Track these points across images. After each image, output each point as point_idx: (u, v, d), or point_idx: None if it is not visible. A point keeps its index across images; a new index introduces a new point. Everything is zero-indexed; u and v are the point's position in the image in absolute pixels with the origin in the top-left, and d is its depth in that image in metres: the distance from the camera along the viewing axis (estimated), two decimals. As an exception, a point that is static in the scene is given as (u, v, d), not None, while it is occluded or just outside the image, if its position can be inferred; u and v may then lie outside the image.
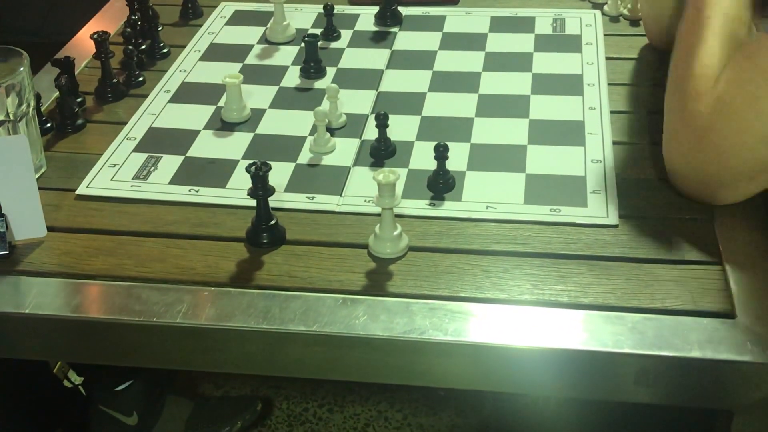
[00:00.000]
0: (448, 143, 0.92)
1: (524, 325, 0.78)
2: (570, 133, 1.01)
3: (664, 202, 0.90)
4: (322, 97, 1.07)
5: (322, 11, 1.24)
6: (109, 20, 1.31)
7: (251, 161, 0.86)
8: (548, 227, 0.88)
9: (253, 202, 0.87)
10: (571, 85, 1.10)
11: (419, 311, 0.79)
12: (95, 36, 1.09)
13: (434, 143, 0.92)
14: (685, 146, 0.84)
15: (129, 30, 1.18)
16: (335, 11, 1.23)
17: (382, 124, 0.98)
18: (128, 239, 0.88)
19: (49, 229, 0.89)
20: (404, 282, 0.82)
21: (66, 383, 1.44)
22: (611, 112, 1.04)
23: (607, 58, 1.15)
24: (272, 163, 0.92)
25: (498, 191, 0.92)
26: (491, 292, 0.80)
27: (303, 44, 1.15)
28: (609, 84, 1.10)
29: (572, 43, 1.19)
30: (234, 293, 0.82)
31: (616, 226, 0.87)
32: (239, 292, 0.82)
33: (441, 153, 0.91)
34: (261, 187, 0.85)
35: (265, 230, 0.87)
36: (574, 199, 0.91)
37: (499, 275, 0.82)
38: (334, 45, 1.22)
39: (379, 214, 0.85)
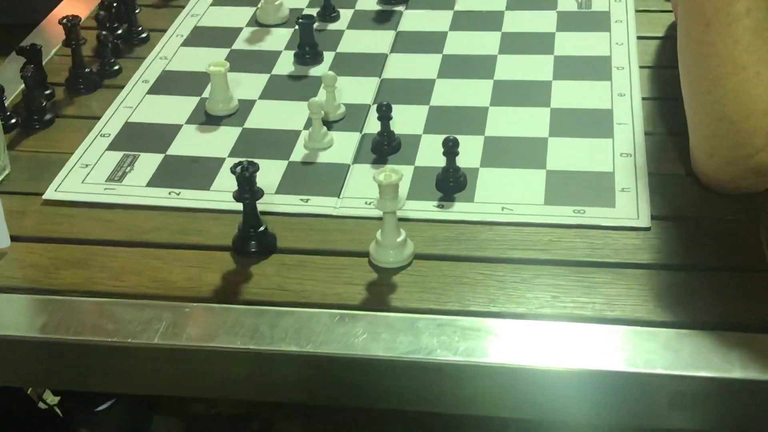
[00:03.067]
0: (460, 136, 0.91)
1: (544, 343, 0.77)
2: (596, 123, 1.00)
3: (703, 201, 0.89)
4: (319, 85, 1.07)
5: (319, -12, 1.23)
6: (81, 2, 1.30)
7: (238, 160, 0.86)
8: (571, 231, 0.87)
9: (240, 206, 0.86)
10: (597, 68, 1.09)
11: (426, 328, 0.78)
12: (64, 21, 1.08)
13: (443, 137, 0.91)
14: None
15: (103, 13, 1.18)
16: (334, -12, 1.23)
17: (384, 115, 0.97)
18: (101, 249, 0.88)
19: (13, 238, 0.89)
20: (409, 295, 0.81)
21: (41, 405, 1.44)
22: (643, 98, 1.04)
23: (639, 38, 1.14)
24: (262, 162, 0.92)
25: (515, 190, 0.92)
26: (507, 306, 0.80)
27: (297, 26, 1.15)
28: (641, 67, 1.09)
29: (599, 21, 1.18)
30: (218, 309, 0.81)
31: (648, 229, 0.86)
32: (224, 308, 0.81)
33: (451, 148, 0.91)
34: (248, 190, 0.85)
35: (253, 238, 0.86)
36: (600, 198, 0.90)
37: (515, 286, 0.82)
38: (332, 27, 1.21)
39: (381, 218, 0.84)
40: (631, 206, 0.89)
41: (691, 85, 0.89)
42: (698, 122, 0.88)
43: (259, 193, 0.86)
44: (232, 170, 0.84)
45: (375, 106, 1.00)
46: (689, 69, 0.89)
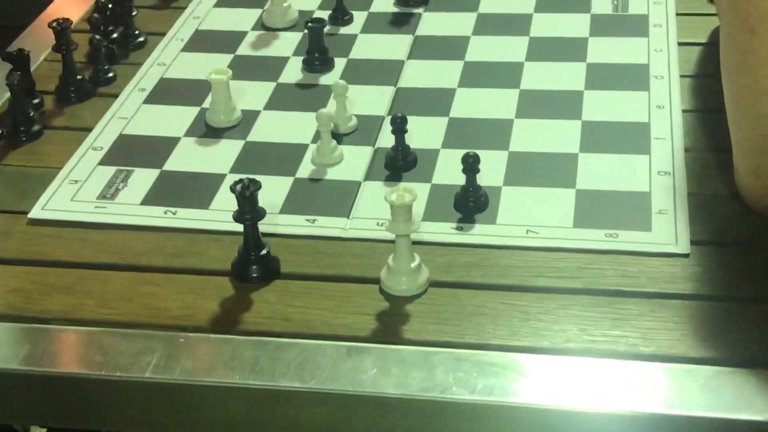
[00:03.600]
0: (481, 152, 0.91)
1: (572, 381, 0.76)
2: (632, 138, 1.00)
3: (748, 225, 0.88)
4: (328, 95, 1.07)
5: (330, -11, 1.24)
6: (74, 3, 1.31)
7: (239, 177, 0.85)
8: (603, 257, 0.86)
9: (240, 228, 0.86)
10: (634, 77, 1.09)
11: (441, 363, 0.78)
12: (54, 24, 1.09)
13: (463, 152, 0.91)
14: None
15: (97, 15, 1.19)
16: (347, -11, 1.23)
17: (399, 128, 0.97)
18: (90, 273, 0.88)
19: (-5, 261, 0.89)
20: (423, 326, 0.81)
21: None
22: (684, 111, 1.03)
23: (680, 44, 1.14)
24: (266, 178, 0.92)
25: (541, 212, 0.91)
26: (530, 339, 0.79)
27: (306, 30, 1.15)
28: (682, 76, 1.08)
29: (637, 25, 1.18)
30: (215, 340, 0.81)
31: (687, 256, 0.86)
32: (222, 339, 0.81)
33: (471, 164, 0.91)
34: (248, 210, 0.85)
35: (254, 262, 0.86)
36: (635, 221, 0.89)
37: (540, 318, 0.81)
38: (344, 30, 1.21)
39: (394, 241, 0.84)
40: (668, 230, 0.88)
41: (735, 98, 0.88)
42: (742, 138, 0.87)
43: (261, 214, 0.85)
44: (232, 189, 0.84)
45: (389, 117, 1.00)
46: (733, 80, 0.88)
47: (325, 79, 1.12)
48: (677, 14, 1.19)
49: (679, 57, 1.11)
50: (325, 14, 1.22)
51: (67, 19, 1.10)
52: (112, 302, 0.85)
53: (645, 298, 0.82)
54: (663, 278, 0.84)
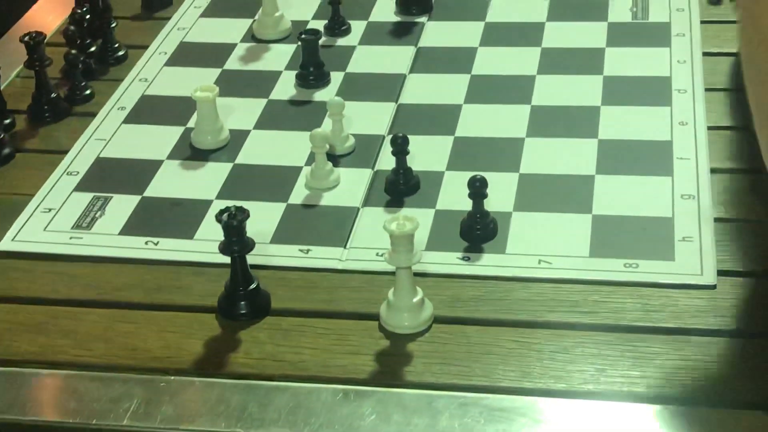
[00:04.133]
0: (489, 174, 0.91)
1: (589, 426, 0.76)
2: (653, 158, 1.00)
3: (780, 253, 0.89)
4: (324, 113, 1.07)
5: (325, -3, 1.24)
6: (48, 13, 1.32)
7: (227, 204, 0.85)
8: (622, 289, 0.86)
9: (227, 260, 0.86)
10: (655, 91, 1.09)
11: (446, 408, 0.78)
12: (26, 38, 1.09)
13: (470, 175, 0.91)
14: None
15: (73, 27, 1.19)
16: (344, -4, 1.23)
17: (401, 149, 0.97)
18: (64, 311, 0.88)
19: (-39, 298, 0.89)
20: (426, 367, 0.81)
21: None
22: (709, 128, 1.03)
23: (705, 54, 1.14)
24: (257, 204, 0.92)
25: (555, 240, 0.91)
26: (544, 381, 0.79)
27: (299, 42, 1.15)
28: (707, 89, 1.09)
29: (658, 34, 1.18)
30: (200, 384, 0.81)
31: (713, 287, 0.86)
32: (207, 383, 0.81)
33: (478, 188, 0.91)
34: (236, 242, 0.85)
35: (242, 297, 0.86)
36: (657, 249, 0.89)
37: (554, 357, 0.81)
38: (341, 42, 1.22)
39: (395, 273, 0.84)
40: (693, 259, 0.88)
41: (758, 111, 0.88)
42: None
43: (250, 245, 0.85)
44: (218, 218, 0.84)
45: (390, 137, 1.01)
46: (754, 93, 0.88)
47: (321, 96, 1.12)
48: (702, 22, 1.20)
49: (704, 69, 1.11)
50: (320, 24, 1.22)
51: (41, 33, 1.10)
52: (87, 342, 0.85)
53: (668, 335, 0.82)
54: (687, 312, 0.84)
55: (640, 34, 1.18)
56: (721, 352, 0.80)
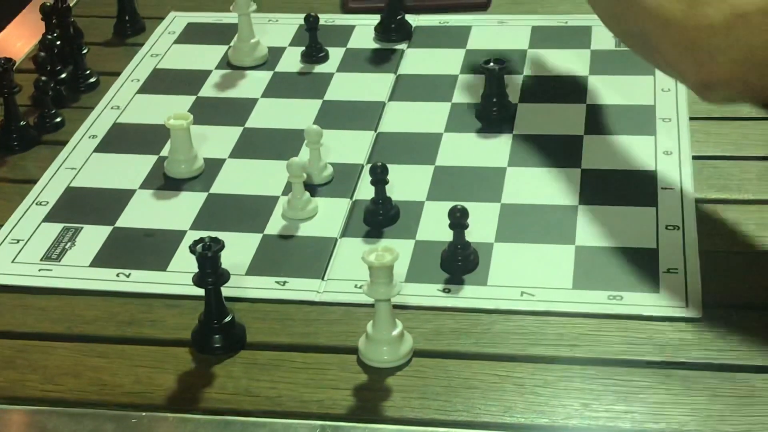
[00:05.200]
0: (470, 204, 0.92)
1: (572, 463, 0.76)
2: (637, 188, 1.00)
3: (767, 285, 0.89)
4: (301, 142, 1.07)
5: (303, 23, 1.24)
6: (18, 39, 1.32)
7: (201, 234, 0.86)
8: (606, 321, 0.87)
9: (202, 292, 0.86)
10: (639, 120, 1.10)
11: (426, 444, 0.78)
12: (-7, 65, 1.10)
13: (451, 204, 0.91)
14: None
15: (43, 54, 1.19)
16: (322, 22, 1.24)
17: (380, 179, 0.97)
18: (32, 345, 0.88)
19: (-75, 332, 0.89)
20: (406, 402, 0.81)
21: None
22: (694, 157, 1.04)
23: (689, 82, 1.15)
24: (232, 235, 0.92)
25: (537, 271, 0.92)
26: (526, 416, 0.79)
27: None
28: (691, 118, 1.09)
29: (641, 63, 1.17)
30: (173, 420, 0.81)
31: (699, 320, 0.86)
32: (180, 419, 0.81)
33: (459, 219, 0.91)
34: (210, 273, 0.85)
35: (217, 331, 0.86)
36: (641, 281, 0.90)
37: (537, 391, 0.81)
38: (318, 69, 1.22)
39: (373, 306, 0.84)
40: (678, 291, 0.89)
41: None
42: None
43: (225, 277, 0.85)
44: (191, 249, 0.84)
45: (368, 166, 1.01)
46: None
47: (299, 122, 1.12)
48: (686, 50, 1.21)
49: (689, 98, 1.12)
50: (297, 51, 1.23)
51: (10, 59, 1.11)
52: (56, 377, 0.84)
53: (653, 368, 0.82)
54: (672, 345, 0.84)
55: (623, 62, 1.19)
56: (706, 386, 0.80)
